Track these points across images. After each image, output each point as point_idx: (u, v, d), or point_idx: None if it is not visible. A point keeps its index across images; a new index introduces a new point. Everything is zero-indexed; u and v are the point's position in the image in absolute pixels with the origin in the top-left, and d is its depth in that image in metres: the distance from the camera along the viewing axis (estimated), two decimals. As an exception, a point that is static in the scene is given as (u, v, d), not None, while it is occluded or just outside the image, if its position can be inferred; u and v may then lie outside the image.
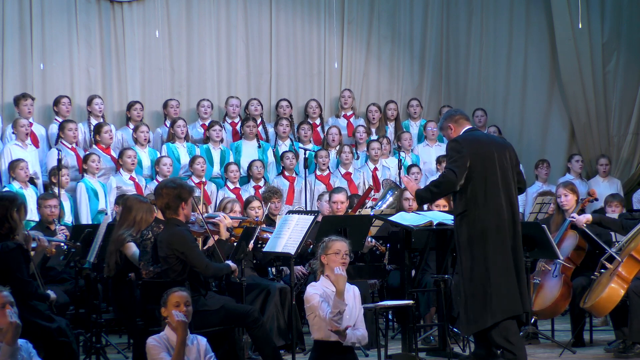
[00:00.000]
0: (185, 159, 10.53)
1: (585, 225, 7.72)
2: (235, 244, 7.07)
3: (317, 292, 5.93)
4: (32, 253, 6.31)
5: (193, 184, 9.75)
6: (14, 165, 9.35)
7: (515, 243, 6.54)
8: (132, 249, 7.14)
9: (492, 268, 6.44)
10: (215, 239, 6.71)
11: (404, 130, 11.74)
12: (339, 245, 6.01)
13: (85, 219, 9.69)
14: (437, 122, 11.95)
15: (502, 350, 6.44)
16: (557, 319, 8.43)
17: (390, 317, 8.45)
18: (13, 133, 9.90)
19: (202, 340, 5.70)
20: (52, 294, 6.18)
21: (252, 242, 7.51)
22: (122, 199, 8.30)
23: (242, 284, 7.03)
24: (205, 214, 6.96)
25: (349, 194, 10.10)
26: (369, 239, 8.29)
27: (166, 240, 6.32)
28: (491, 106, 12.53)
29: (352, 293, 6.10)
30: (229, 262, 6.63)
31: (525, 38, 12.70)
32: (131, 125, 10.68)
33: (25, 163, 9.40)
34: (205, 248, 6.78)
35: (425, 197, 6.74)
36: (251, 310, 6.45)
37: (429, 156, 11.41)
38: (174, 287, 5.74)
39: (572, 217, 7.96)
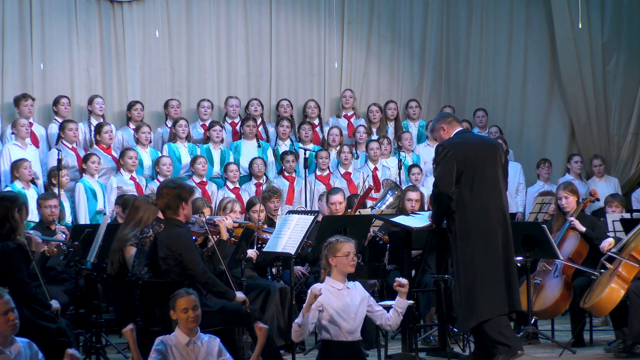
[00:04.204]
0: (186, 159, 10.54)
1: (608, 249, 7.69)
2: (235, 244, 7.07)
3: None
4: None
5: (194, 184, 9.76)
6: (17, 165, 9.35)
7: (506, 242, 6.60)
8: (132, 252, 7.13)
9: (479, 269, 6.53)
10: (216, 240, 6.70)
11: (405, 130, 11.74)
12: (348, 247, 6.00)
13: (84, 219, 9.68)
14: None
15: (496, 346, 6.47)
16: (557, 319, 8.43)
17: (390, 317, 8.43)
18: (13, 133, 9.90)
19: (216, 341, 5.70)
20: (55, 304, 6.17)
21: (255, 250, 7.51)
22: (126, 199, 8.30)
23: (242, 284, 7.04)
24: (207, 217, 6.95)
25: (349, 193, 10.12)
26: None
27: (165, 241, 6.32)
28: (491, 106, 12.53)
29: (358, 291, 6.11)
30: (240, 294, 6.51)
31: (525, 38, 12.70)
32: (132, 125, 10.68)
33: (29, 163, 9.40)
34: (205, 249, 6.78)
35: (436, 221, 6.88)
36: (252, 310, 6.45)
37: (430, 156, 11.35)
38: (181, 290, 5.71)
39: (571, 220, 7.96)
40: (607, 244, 7.70)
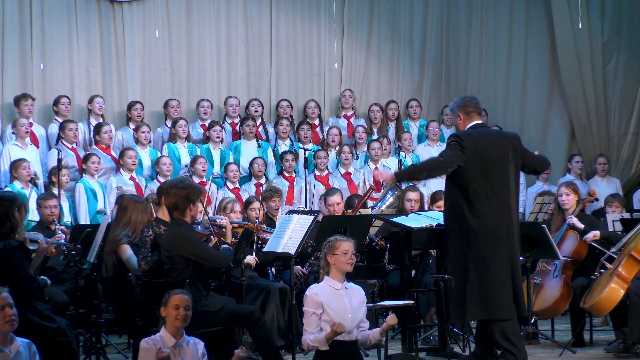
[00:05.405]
0: (186, 159, 10.53)
1: (592, 242, 7.69)
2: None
3: (316, 298, 5.95)
4: (33, 255, 6.33)
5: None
6: (16, 165, 9.36)
7: (511, 246, 6.40)
8: (128, 252, 7.15)
9: (472, 266, 6.31)
10: (216, 240, 6.71)
11: (405, 130, 11.74)
12: (346, 246, 6.03)
13: (84, 219, 9.68)
14: (439, 122, 11.98)
15: (502, 351, 6.40)
16: (557, 319, 8.43)
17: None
18: (13, 133, 9.90)
19: (200, 344, 5.71)
20: (47, 279, 6.26)
21: (253, 257, 7.53)
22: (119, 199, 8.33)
23: (242, 284, 7.05)
24: (207, 216, 6.95)
25: (349, 194, 10.12)
26: None
27: (169, 241, 6.34)
28: (491, 106, 12.53)
29: (357, 293, 6.14)
30: (228, 246, 6.68)
31: (525, 38, 12.70)
32: (132, 125, 10.68)
33: (28, 163, 9.40)
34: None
35: (406, 172, 6.90)
36: (253, 310, 6.46)
37: (430, 156, 11.39)
38: (176, 289, 5.74)
39: (570, 219, 7.97)
40: (591, 235, 7.72)
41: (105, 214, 9.69)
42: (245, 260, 7.16)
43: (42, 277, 6.25)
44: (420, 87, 12.63)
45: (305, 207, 10.26)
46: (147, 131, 10.49)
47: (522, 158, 6.70)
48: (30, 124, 10.05)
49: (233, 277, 7.61)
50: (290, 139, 11.22)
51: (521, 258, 7.53)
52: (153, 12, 11.31)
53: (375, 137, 11.49)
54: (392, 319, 6.03)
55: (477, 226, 6.34)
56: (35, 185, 9.62)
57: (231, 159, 10.73)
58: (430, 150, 11.50)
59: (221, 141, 10.83)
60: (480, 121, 6.66)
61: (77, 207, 9.75)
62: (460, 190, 6.41)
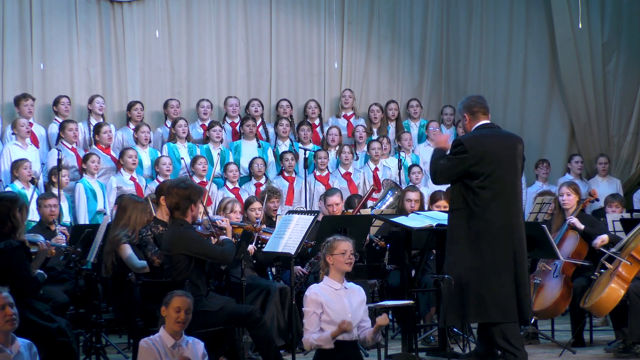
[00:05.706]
0: (186, 159, 10.52)
1: (601, 246, 7.66)
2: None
3: (315, 298, 5.96)
4: (33, 257, 6.33)
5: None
6: (17, 164, 9.36)
7: (514, 246, 6.36)
8: (128, 251, 7.16)
9: (473, 268, 6.26)
10: (216, 241, 6.71)
11: (405, 130, 11.74)
12: (345, 246, 6.03)
13: (83, 219, 9.68)
14: (439, 122, 11.98)
15: (503, 352, 6.39)
16: (557, 319, 8.43)
17: (390, 317, 8.45)
18: (13, 133, 9.90)
19: (200, 344, 5.71)
20: (44, 273, 6.31)
21: (253, 246, 7.54)
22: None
23: (242, 284, 7.05)
24: (207, 217, 6.96)
25: (349, 194, 10.12)
26: None
27: (170, 241, 6.34)
28: (491, 106, 12.23)
29: (357, 293, 6.14)
30: (227, 238, 6.69)
31: (525, 38, 12.70)
32: (132, 125, 10.68)
33: (29, 163, 9.40)
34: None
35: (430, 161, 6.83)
36: (253, 310, 6.47)
37: (430, 156, 11.38)
38: (179, 290, 5.74)
39: (571, 219, 7.96)
40: (599, 240, 7.71)
41: (105, 214, 9.69)
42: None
43: (39, 271, 6.26)
44: (420, 87, 12.63)
45: (305, 207, 10.27)
46: (146, 131, 10.49)
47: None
48: (31, 124, 10.05)
49: (233, 277, 7.62)
50: (290, 139, 11.22)
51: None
52: (153, 12, 11.32)
53: (375, 137, 11.49)
54: (382, 319, 6.00)
55: (479, 227, 6.31)
56: (36, 185, 9.61)
57: (231, 159, 10.73)
58: (430, 150, 11.47)
59: (221, 141, 10.83)
60: (487, 121, 6.60)
61: (76, 207, 9.75)
62: (464, 191, 6.38)
